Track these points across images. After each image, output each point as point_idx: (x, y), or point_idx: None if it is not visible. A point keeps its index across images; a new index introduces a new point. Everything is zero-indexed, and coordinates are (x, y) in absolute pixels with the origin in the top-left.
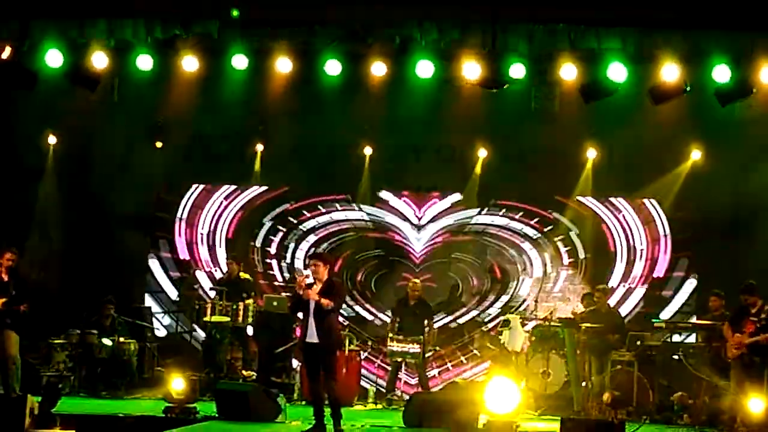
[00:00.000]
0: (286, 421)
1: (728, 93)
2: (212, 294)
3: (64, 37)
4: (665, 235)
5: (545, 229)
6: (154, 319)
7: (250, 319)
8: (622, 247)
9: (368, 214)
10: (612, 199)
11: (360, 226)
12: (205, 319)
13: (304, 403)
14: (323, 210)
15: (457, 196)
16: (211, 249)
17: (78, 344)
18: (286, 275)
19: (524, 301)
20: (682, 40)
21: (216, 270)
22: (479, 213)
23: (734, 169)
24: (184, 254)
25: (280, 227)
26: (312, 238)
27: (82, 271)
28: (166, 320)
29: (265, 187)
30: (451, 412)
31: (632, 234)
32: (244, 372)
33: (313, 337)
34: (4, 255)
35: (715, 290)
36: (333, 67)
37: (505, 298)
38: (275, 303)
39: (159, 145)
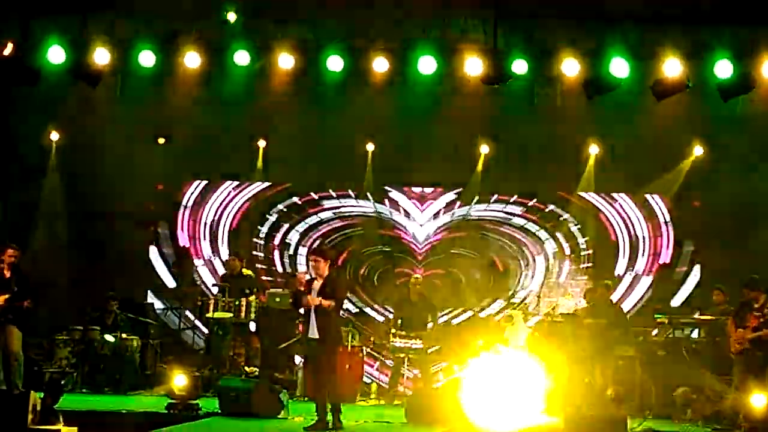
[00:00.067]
0: (288, 417)
1: (730, 88)
2: (215, 290)
3: (66, 33)
4: (666, 223)
5: (547, 224)
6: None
7: (252, 315)
8: (624, 237)
9: (376, 210)
10: (614, 195)
11: (367, 222)
12: (208, 315)
13: (306, 399)
14: (332, 203)
15: (459, 192)
16: (213, 241)
17: (81, 341)
18: (288, 268)
19: (527, 296)
20: (685, 36)
21: (215, 258)
22: (477, 203)
23: (736, 164)
24: (184, 242)
25: (284, 221)
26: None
27: (85, 268)
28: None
29: (267, 183)
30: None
31: (632, 224)
32: (246, 368)
33: (314, 333)
34: (6, 251)
35: (718, 285)
36: (335, 63)
37: (507, 294)
38: (278, 299)
39: (162, 141)
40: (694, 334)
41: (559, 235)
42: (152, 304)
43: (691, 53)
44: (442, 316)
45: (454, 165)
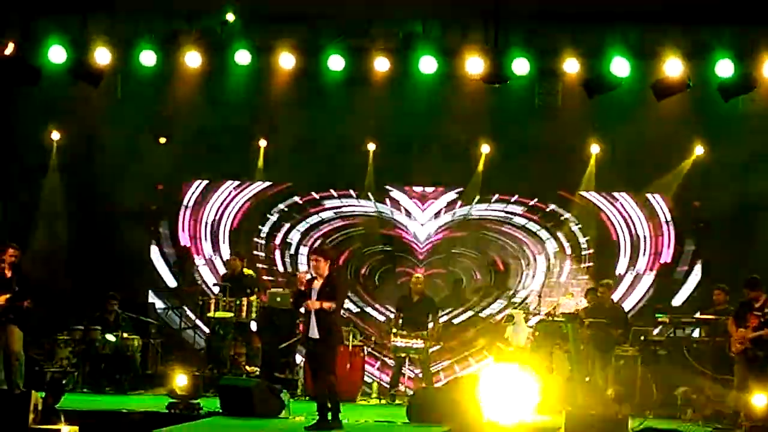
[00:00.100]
0: (289, 416)
1: (731, 88)
2: (216, 290)
3: (67, 32)
4: (667, 222)
5: (548, 224)
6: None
7: (253, 315)
8: (625, 236)
9: (378, 210)
10: (615, 194)
11: (369, 221)
12: (209, 314)
13: (307, 398)
14: (333, 203)
15: (460, 191)
16: (214, 241)
17: (82, 340)
18: (289, 268)
19: (528, 296)
20: (685, 35)
21: (215, 256)
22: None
23: (737, 164)
24: (185, 241)
25: (286, 221)
26: (319, 232)
27: (86, 267)
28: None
29: (268, 183)
30: (455, 408)
31: (633, 222)
32: (247, 368)
33: (314, 332)
34: (7, 251)
35: (719, 284)
36: (336, 63)
37: (508, 293)
38: (279, 299)
39: (163, 140)
40: (695, 334)
41: (560, 234)
42: (153, 303)
43: (692, 53)
44: (443, 315)
45: (454, 164)
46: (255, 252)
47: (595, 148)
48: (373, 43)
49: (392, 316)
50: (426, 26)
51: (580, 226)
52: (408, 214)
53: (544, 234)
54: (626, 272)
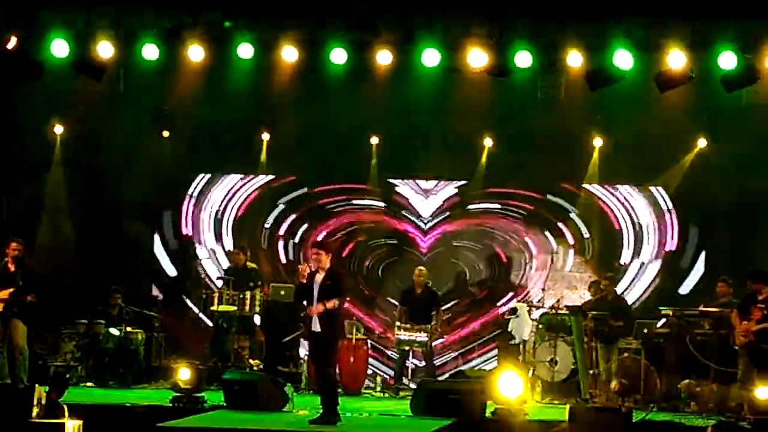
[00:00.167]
0: (293, 410)
1: (734, 80)
2: (219, 283)
3: (69, 26)
4: (669, 210)
5: (551, 216)
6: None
7: (257, 309)
8: (627, 225)
9: (386, 204)
10: (618, 186)
11: (376, 215)
12: (212, 308)
13: (311, 392)
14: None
15: (463, 184)
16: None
17: (85, 334)
18: (291, 257)
19: (532, 288)
20: (688, 27)
21: (218, 244)
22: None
23: (741, 156)
24: (187, 230)
25: (292, 212)
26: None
27: (90, 261)
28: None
29: (271, 177)
30: (459, 401)
31: (635, 212)
32: (251, 361)
33: (316, 326)
34: (11, 245)
35: (723, 276)
36: (339, 56)
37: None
38: (282, 292)
39: (166, 134)
40: (699, 327)
41: (563, 227)
42: (156, 297)
43: (695, 45)
44: (446, 308)
45: (457, 157)
46: (260, 243)
47: (598, 141)
48: (376, 37)
49: (396, 309)
50: (429, 19)
51: (583, 217)
52: (412, 207)
53: (547, 226)
54: (631, 261)
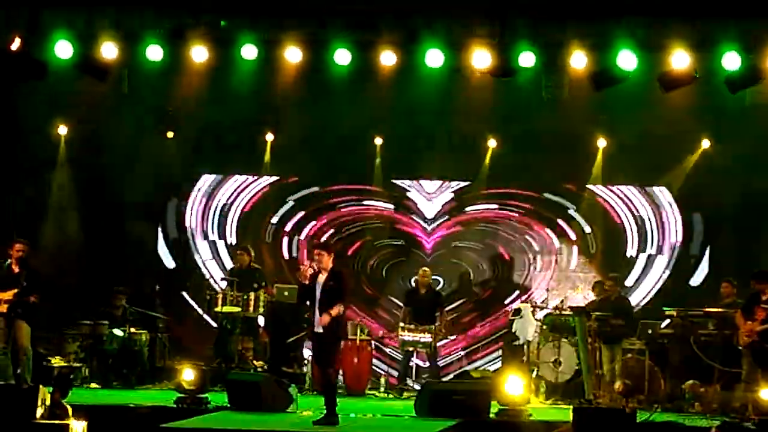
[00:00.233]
0: (297, 411)
1: (738, 80)
2: (223, 284)
3: (73, 27)
4: (670, 203)
5: (555, 216)
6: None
7: (261, 310)
8: (628, 218)
9: (394, 207)
10: (621, 187)
11: (384, 216)
12: (216, 309)
13: (315, 392)
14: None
15: (466, 184)
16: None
17: (89, 335)
18: (294, 254)
19: (535, 289)
20: (692, 28)
21: (221, 239)
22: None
23: (745, 156)
24: (189, 222)
25: (299, 210)
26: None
27: (94, 261)
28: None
29: (275, 177)
30: (463, 401)
31: (635, 206)
32: (255, 362)
33: (319, 327)
34: (15, 246)
35: (727, 277)
36: (342, 57)
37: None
38: (286, 293)
39: (170, 135)
40: (703, 327)
41: (566, 226)
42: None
43: (699, 45)
44: (450, 308)
45: (461, 158)
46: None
47: (602, 142)
48: (380, 37)
49: (400, 310)
50: (432, 19)
51: (586, 217)
52: (417, 207)
53: (551, 226)
54: (637, 254)
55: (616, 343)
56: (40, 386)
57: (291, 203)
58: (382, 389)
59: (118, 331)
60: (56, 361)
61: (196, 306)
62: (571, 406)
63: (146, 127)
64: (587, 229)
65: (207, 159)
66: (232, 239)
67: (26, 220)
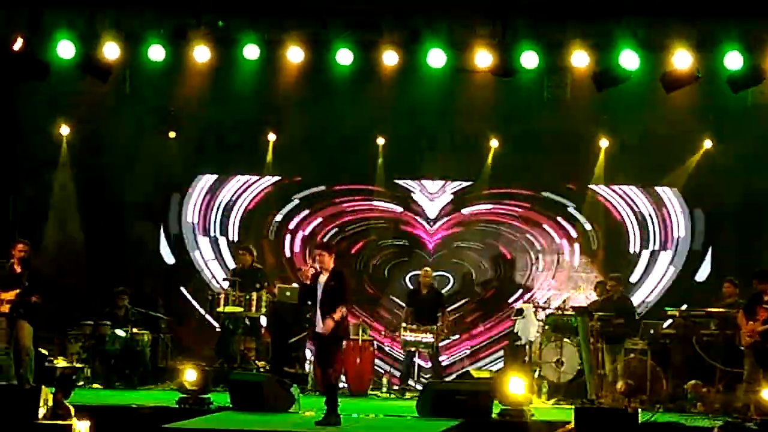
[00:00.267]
0: (299, 411)
1: (740, 80)
2: (225, 284)
3: (75, 27)
4: (670, 200)
5: (556, 216)
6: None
7: (263, 310)
8: (629, 214)
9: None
10: (624, 187)
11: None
12: (219, 309)
13: (317, 393)
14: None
15: (469, 184)
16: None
17: (91, 335)
18: (296, 249)
19: (538, 289)
20: (694, 28)
21: (221, 237)
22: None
23: (747, 156)
24: (191, 218)
25: (303, 208)
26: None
27: (96, 262)
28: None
29: (277, 178)
30: (465, 401)
31: (635, 203)
32: (257, 362)
33: (319, 326)
34: (16, 246)
35: (729, 277)
36: (345, 57)
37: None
38: (288, 293)
39: (172, 135)
40: (705, 327)
41: (568, 226)
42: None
43: (701, 45)
44: (452, 308)
45: (463, 158)
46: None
47: (604, 142)
48: (382, 37)
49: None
50: (434, 20)
51: (587, 216)
52: (419, 207)
53: (553, 226)
54: (640, 251)
55: (618, 343)
56: (43, 387)
57: (296, 201)
58: (385, 389)
59: (120, 332)
60: (59, 362)
61: (198, 306)
62: (573, 407)
63: (148, 128)
64: (588, 227)
65: (209, 159)
66: (234, 237)
67: (27, 220)
